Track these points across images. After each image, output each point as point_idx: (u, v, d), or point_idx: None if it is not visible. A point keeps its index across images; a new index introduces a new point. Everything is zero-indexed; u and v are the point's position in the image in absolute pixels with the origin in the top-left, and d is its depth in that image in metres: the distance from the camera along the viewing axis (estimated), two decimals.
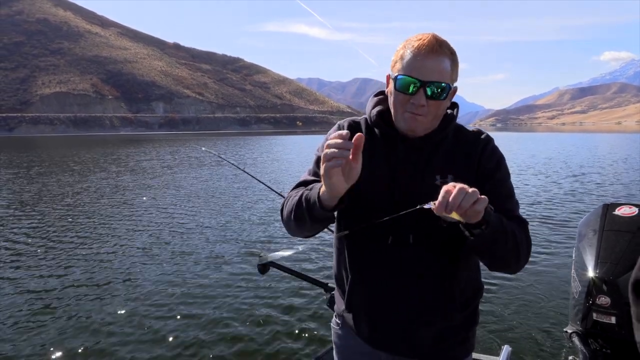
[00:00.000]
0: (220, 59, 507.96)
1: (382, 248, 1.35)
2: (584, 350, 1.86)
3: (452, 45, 1.27)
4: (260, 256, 2.35)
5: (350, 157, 1.04)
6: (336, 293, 1.58)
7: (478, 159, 1.35)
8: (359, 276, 1.43)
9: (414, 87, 1.24)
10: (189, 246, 7.54)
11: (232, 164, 3.95)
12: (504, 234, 1.18)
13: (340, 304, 1.54)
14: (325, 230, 1.35)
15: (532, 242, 1.31)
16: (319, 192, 1.16)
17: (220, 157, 4.15)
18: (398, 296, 1.38)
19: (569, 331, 2.00)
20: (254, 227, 8.86)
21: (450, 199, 1.00)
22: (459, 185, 1.02)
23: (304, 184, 1.39)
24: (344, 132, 1.05)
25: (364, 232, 1.34)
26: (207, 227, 8.97)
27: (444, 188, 1.03)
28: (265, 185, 3.60)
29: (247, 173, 3.75)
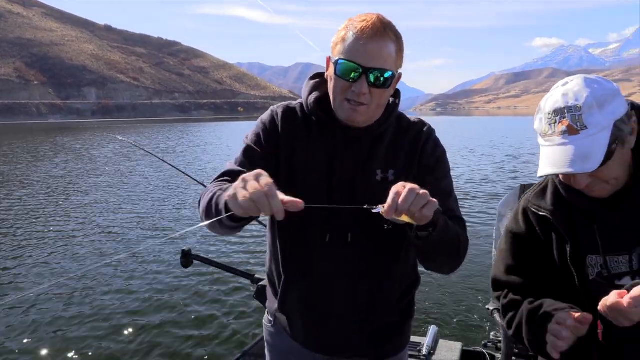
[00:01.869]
0: (155, 43, 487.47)
1: (319, 246, 1.27)
2: (504, 325, 1.85)
3: (397, 28, 1.17)
4: (183, 249, 2.28)
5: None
6: (268, 290, 1.48)
7: (420, 152, 1.28)
8: (294, 276, 1.34)
9: (355, 73, 1.13)
10: (108, 240, 7.19)
11: (152, 154, 3.67)
12: (449, 238, 1.13)
13: (272, 302, 1.45)
14: (255, 222, 1.26)
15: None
16: (227, 201, 0.97)
17: (143, 149, 3.74)
18: (335, 296, 1.31)
19: (491, 308, 2.07)
20: (177, 220, 8.50)
21: (400, 201, 0.93)
22: (408, 186, 0.95)
23: (228, 174, 1.25)
24: (293, 200, 0.92)
25: (299, 228, 1.27)
26: (127, 220, 8.56)
27: (394, 189, 0.96)
28: (185, 174, 3.35)
29: (166, 162, 3.51)
